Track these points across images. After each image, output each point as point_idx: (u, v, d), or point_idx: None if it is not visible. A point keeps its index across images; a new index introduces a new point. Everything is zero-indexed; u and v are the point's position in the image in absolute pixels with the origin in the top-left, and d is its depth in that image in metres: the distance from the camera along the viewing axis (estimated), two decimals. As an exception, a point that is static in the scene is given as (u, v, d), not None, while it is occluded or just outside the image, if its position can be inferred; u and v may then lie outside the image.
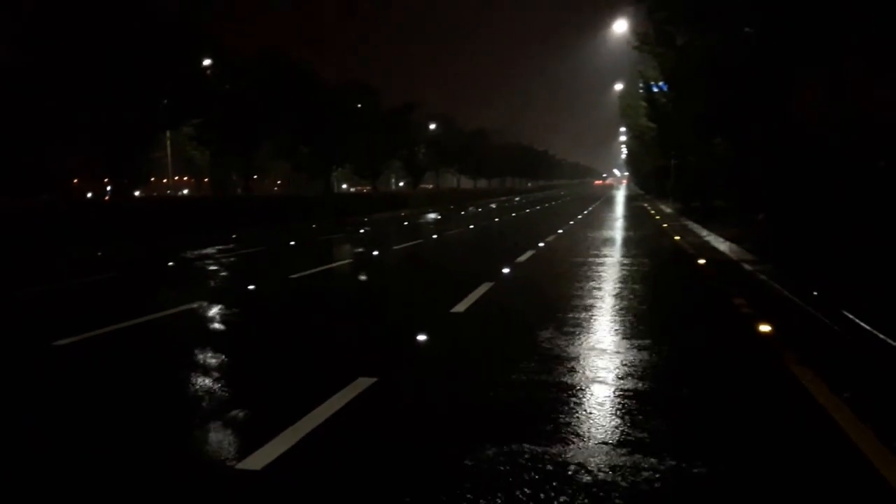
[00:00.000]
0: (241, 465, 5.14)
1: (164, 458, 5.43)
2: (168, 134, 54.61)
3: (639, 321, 10.21)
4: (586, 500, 4.49)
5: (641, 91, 47.22)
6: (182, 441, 5.74)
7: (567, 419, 5.97)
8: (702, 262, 17.29)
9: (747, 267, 15.77)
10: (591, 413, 6.13)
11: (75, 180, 61.57)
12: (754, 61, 20.69)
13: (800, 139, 20.28)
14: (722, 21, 22.38)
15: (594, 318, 10.43)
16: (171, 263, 19.81)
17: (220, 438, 5.76)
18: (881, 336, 8.46)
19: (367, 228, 35.14)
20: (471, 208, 62.56)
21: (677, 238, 24.52)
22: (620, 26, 50.44)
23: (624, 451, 5.27)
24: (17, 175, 32.83)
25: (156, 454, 5.51)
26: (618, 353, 8.25)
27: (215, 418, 6.21)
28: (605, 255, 19.26)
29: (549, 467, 4.98)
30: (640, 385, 6.92)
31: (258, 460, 5.21)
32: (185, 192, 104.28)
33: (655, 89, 42.03)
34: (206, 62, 39.34)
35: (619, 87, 69.98)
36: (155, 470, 5.22)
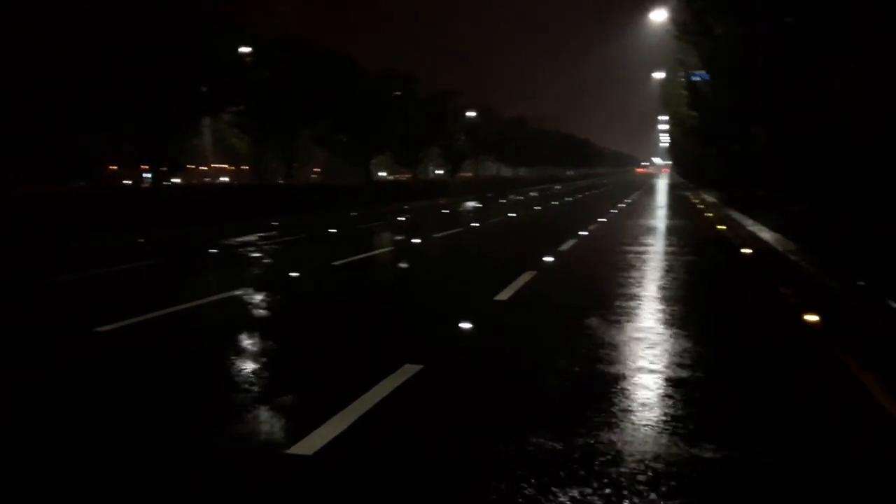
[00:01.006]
0: (291, 451, 5.14)
1: (216, 443, 5.45)
2: (208, 121, 54.89)
3: (685, 310, 10.13)
4: (638, 488, 4.45)
5: (682, 79, 46.90)
6: (232, 426, 5.75)
7: (616, 408, 5.93)
8: (747, 251, 17.13)
9: (792, 257, 15.61)
10: (640, 402, 6.09)
11: (113, 167, 62.03)
12: (793, 50, 20.46)
13: (841, 129, 20.04)
14: (760, 10, 22.15)
15: (640, 306, 10.35)
16: (213, 250, 19.91)
17: (270, 424, 5.78)
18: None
19: (406, 216, 35.15)
20: (511, 196, 62.39)
21: (721, 227, 24.34)
22: (659, 15, 50.16)
23: (675, 439, 5.22)
24: (54, 161, 33.12)
25: (207, 438, 5.54)
26: (665, 342, 8.19)
27: (264, 404, 6.23)
28: (649, 244, 19.14)
29: (600, 455, 4.94)
30: (688, 374, 6.86)
31: (309, 445, 5.20)
32: (225, 179, 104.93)
33: (696, 78, 41.72)
34: (245, 49, 39.45)
35: (659, 75, 69.59)
36: (206, 454, 5.24)
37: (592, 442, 5.19)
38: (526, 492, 4.43)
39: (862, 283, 11.01)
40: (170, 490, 4.68)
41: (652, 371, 6.99)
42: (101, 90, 28.22)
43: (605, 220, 29.96)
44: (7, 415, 6.30)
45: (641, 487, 4.47)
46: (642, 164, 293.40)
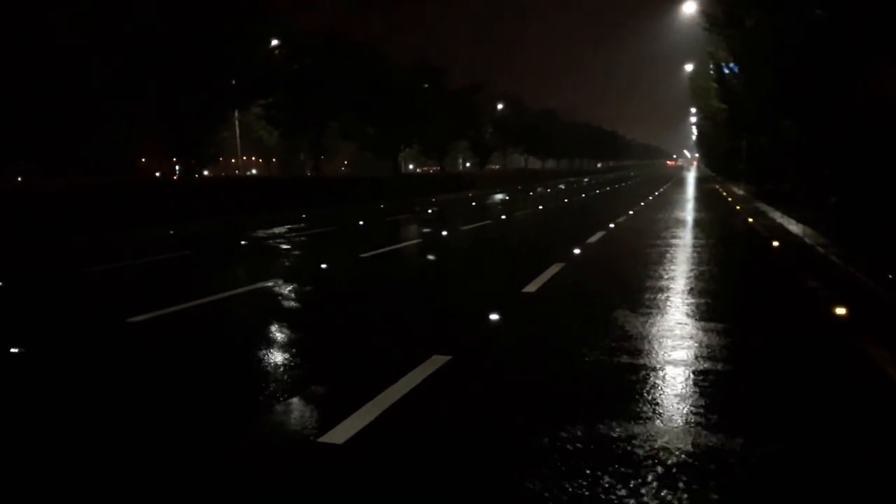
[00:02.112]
0: (323, 439, 5.20)
1: (250, 431, 5.52)
2: (237, 114, 55.18)
3: (714, 303, 10.11)
4: (666, 481, 4.48)
5: (712, 72, 46.64)
6: (265, 415, 5.81)
7: (644, 400, 5.94)
8: (776, 244, 17.06)
9: (821, 250, 15.52)
10: (669, 394, 6.10)
11: (143, 159, 62.54)
12: (824, 43, 20.29)
13: (872, 122, 19.86)
14: (790, 3, 21.96)
15: (668, 299, 10.34)
16: (243, 242, 20.07)
17: (301, 413, 5.84)
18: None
19: (434, 209, 35.25)
20: (539, 189, 62.42)
21: (751, 220, 24.22)
22: (689, 7, 49.95)
23: (704, 431, 5.23)
24: (85, 154, 33.38)
25: (242, 427, 5.61)
26: (694, 334, 8.18)
27: (295, 393, 6.29)
28: (678, 237, 19.08)
29: (628, 448, 4.96)
30: (717, 366, 6.86)
31: (340, 434, 5.26)
32: (254, 171, 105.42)
33: (726, 70, 41.49)
34: (274, 42, 39.65)
35: (689, 67, 69.27)
36: (242, 441, 5.32)
37: (622, 433, 5.21)
38: (557, 482, 4.47)
39: (891, 275, 10.95)
40: (209, 475, 4.76)
41: (682, 363, 7.00)
42: (132, 83, 28.44)
43: (633, 212, 29.91)
44: (48, 406, 6.41)
45: (674, 477, 4.50)
46: (673, 156, 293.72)
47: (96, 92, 28.14)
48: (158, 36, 28.55)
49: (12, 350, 8.24)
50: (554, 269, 13.29)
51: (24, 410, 6.25)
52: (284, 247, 18.89)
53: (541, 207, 35.86)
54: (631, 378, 6.53)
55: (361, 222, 26.75)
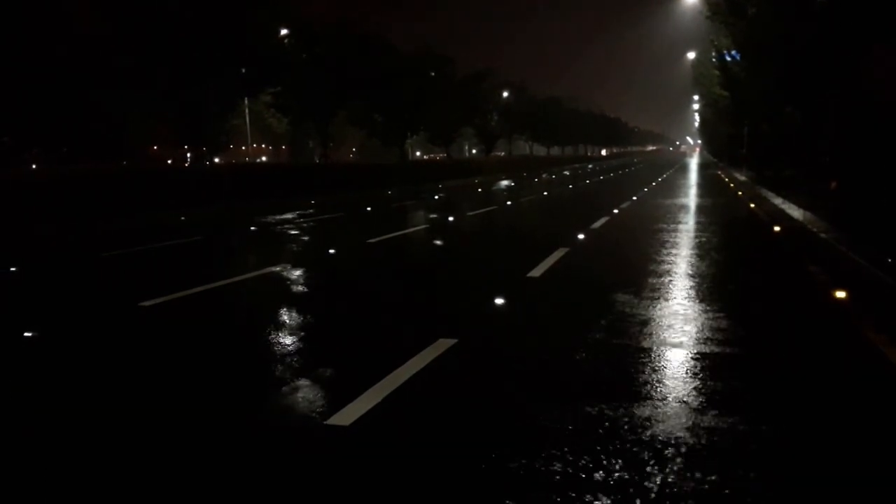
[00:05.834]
0: (329, 421, 5.29)
1: (258, 413, 5.63)
2: (246, 102, 55.20)
3: (716, 287, 10.24)
4: (664, 459, 4.61)
5: (714, 59, 46.63)
6: (273, 398, 5.92)
7: (647, 382, 6.06)
8: (777, 229, 17.17)
9: (822, 235, 15.65)
10: (670, 375, 6.23)
11: (154, 147, 62.71)
12: (826, 31, 20.37)
13: (873, 108, 19.95)
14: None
15: (671, 283, 10.48)
16: (252, 228, 20.21)
17: (307, 395, 5.93)
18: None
19: (441, 195, 35.30)
20: (544, 175, 62.42)
21: (752, 206, 24.32)
22: (693, -5, 49.87)
23: (705, 413, 5.35)
24: (98, 140, 33.49)
25: (250, 409, 5.72)
26: (696, 318, 8.31)
27: (302, 376, 6.41)
28: (681, 222, 19.20)
29: (630, 428, 5.08)
30: (717, 349, 6.98)
31: (346, 417, 5.35)
32: (263, 159, 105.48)
33: (728, 58, 41.49)
34: (284, 31, 39.74)
35: (692, 55, 69.13)
36: (251, 424, 5.43)
37: (625, 413, 5.35)
38: (561, 461, 4.60)
39: (891, 260, 11.09)
40: (217, 457, 4.87)
41: (683, 346, 7.13)
42: (143, 71, 28.55)
43: (637, 198, 29.98)
44: (61, 389, 6.57)
45: (672, 455, 4.65)
46: (676, 143, 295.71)
47: (110, 80, 28.28)
48: (171, 23, 28.65)
49: (30, 333, 8.37)
50: (558, 254, 13.44)
51: (40, 391, 6.39)
52: (293, 232, 19.04)
53: (545, 193, 35.93)
54: (634, 360, 6.66)
55: (369, 208, 26.85)
